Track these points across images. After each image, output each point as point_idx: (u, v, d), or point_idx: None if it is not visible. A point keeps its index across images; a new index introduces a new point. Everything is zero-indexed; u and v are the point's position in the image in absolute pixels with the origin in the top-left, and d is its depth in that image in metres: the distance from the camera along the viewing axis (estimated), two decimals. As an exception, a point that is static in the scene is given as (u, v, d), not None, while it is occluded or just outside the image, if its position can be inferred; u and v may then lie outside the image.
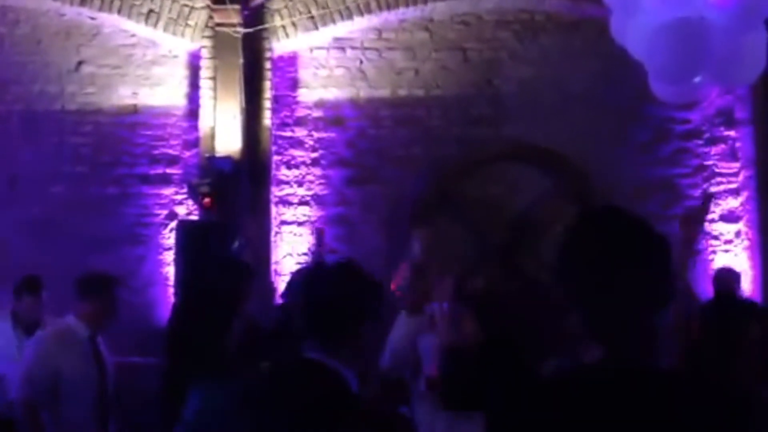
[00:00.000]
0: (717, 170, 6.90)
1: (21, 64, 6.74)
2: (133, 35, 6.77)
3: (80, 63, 6.80)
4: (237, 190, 6.35)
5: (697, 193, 6.86)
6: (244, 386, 1.84)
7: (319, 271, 1.96)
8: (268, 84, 6.63)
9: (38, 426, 3.74)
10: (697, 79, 3.47)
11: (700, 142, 6.95)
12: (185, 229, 6.11)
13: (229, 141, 6.46)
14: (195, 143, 6.65)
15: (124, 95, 6.80)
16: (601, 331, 1.37)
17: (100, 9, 6.57)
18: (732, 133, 6.89)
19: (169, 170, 6.75)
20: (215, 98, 6.51)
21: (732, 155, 6.88)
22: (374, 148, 6.86)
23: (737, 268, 6.40)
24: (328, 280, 1.88)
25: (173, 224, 6.56)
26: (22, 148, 6.69)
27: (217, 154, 6.37)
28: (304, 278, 1.96)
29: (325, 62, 6.89)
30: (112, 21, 6.72)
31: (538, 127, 6.77)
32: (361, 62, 6.92)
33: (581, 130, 6.74)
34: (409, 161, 6.83)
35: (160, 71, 6.81)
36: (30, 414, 3.76)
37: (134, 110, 6.80)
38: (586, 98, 6.75)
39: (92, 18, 6.72)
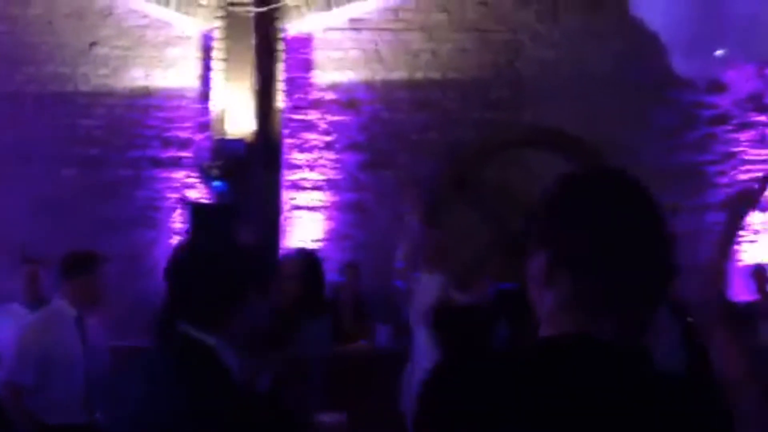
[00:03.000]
0: (746, 157, 6.63)
1: (34, 45, 6.68)
2: (145, 16, 6.68)
3: (93, 44, 6.72)
4: (248, 173, 6.24)
5: (725, 180, 6.59)
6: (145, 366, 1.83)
7: (181, 249, 1.92)
8: (281, 66, 6.50)
9: (20, 408, 3.66)
10: (719, 53, 3.26)
11: (729, 127, 6.68)
12: (194, 211, 6.01)
13: (240, 123, 6.34)
14: (207, 126, 6.55)
15: (136, 77, 6.72)
16: (603, 302, 1.15)
17: (113, -11, 6.50)
18: (763, 118, 6.61)
19: (180, 153, 6.66)
20: (227, 80, 6.39)
21: (762, 141, 6.61)
22: (389, 132, 6.70)
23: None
24: (188, 256, 1.87)
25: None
26: (34, 129, 6.64)
27: (229, 137, 6.26)
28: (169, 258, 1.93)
29: (340, 44, 6.73)
30: (124, 1, 6.63)
31: (560, 110, 6.56)
32: (377, 44, 6.75)
33: (604, 114, 6.51)
34: (425, 146, 6.66)
35: (173, 52, 6.71)
36: (14, 396, 3.68)
37: (147, 92, 6.71)
38: (609, 81, 6.52)
39: (105, -2, 6.65)
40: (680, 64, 3.38)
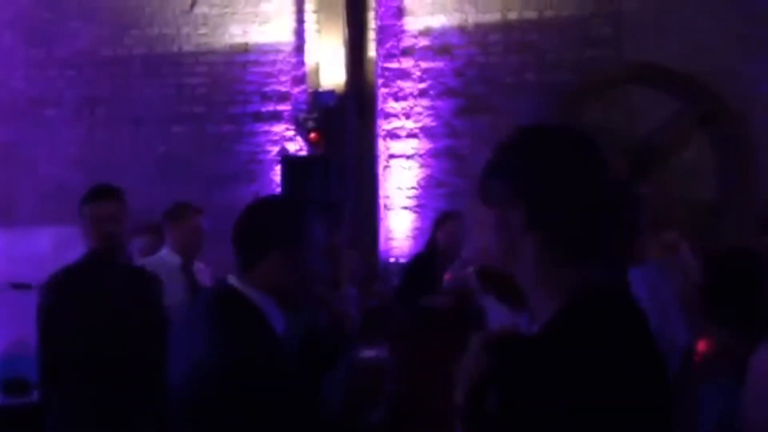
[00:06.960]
0: None
1: (139, 8, 6.98)
2: (240, -28, 6.82)
3: (193, 4, 6.94)
4: (342, 125, 6.31)
5: None
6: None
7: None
8: (371, 14, 6.48)
9: None
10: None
11: None
12: (288, 164, 6.16)
13: (334, 75, 6.40)
14: (303, 79, 6.66)
15: (235, 34, 6.89)
16: (591, 250, 1.21)
17: (209, -52, 6.66)
18: None
19: (279, 107, 6.82)
20: (319, 32, 6.45)
21: None
22: (484, 76, 6.56)
23: None
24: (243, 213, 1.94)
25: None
26: (144, 90, 6.98)
27: (322, 89, 6.34)
28: None
29: (431, -12, 6.62)
30: (220, -40, 6.79)
31: (665, 45, 6.19)
32: (469, -15, 6.58)
33: (713, 46, 6.09)
34: (520, 89, 6.49)
35: (268, 8, 6.82)
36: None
37: (245, 49, 6.88)
38: (718, 9, 6.07)
39: (202, -42, 6.83)
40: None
